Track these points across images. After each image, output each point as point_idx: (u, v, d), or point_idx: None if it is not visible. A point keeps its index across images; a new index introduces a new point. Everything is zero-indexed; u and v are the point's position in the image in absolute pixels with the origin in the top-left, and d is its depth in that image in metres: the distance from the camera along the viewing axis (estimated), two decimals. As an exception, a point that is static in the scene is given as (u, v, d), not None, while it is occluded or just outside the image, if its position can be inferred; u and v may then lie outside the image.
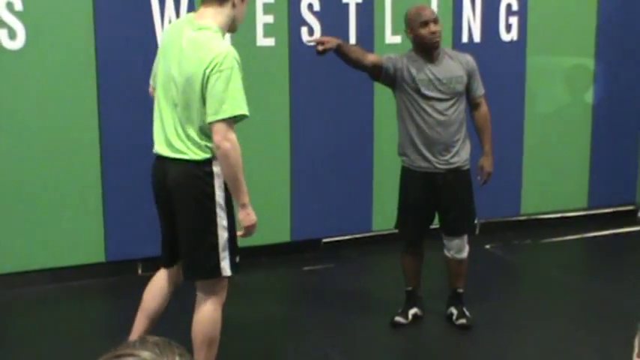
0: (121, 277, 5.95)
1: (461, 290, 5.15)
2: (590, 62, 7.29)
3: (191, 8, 5.76)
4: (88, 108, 5.66)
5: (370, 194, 6.60)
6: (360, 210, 6.62)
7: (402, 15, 6.45)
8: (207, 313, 3.91)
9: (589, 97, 7.35)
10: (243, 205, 3.80)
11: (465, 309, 5.14)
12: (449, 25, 6.64)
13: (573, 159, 7.39)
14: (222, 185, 3.79)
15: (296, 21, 6.14)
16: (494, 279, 6.09)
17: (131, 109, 5.74)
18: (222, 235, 3.81)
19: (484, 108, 5.03)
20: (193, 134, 3.75)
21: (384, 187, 6.49)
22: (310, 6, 6.16)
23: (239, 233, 3.91)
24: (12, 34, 5.40)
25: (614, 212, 7.70)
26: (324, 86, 6.33)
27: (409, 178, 4.98)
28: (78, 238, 5.79)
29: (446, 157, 4.86)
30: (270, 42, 6.10)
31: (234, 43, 5.94)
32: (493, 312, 5.40)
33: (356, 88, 6.36)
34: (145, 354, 1.13)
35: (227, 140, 3.66)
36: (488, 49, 6.75)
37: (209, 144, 3.75)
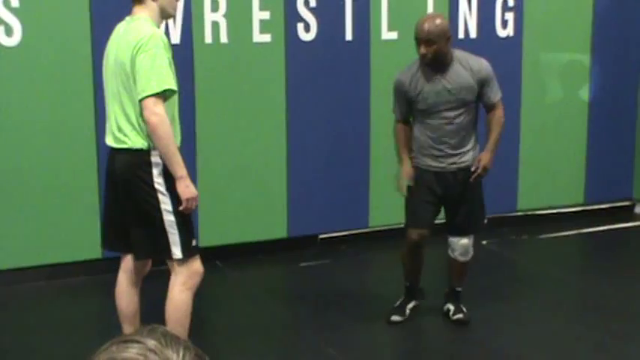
0: (117, 274, 5.93)
1: (459, 289, 5.16)
2: (585, 58, 7.30)
3: (187, 4, 5.77)
4: (85, 105, 5.66)
5: (367, 190, 6.61)
6: (356, 206, 6.63)
7: (398, 11, 6.48)
8: (174, 295, 4.10)
9: (585, 93, 7.36)
10: (181, 178, 3.93)
11: (461, 305, 5.15)
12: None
13: (569, 155, 7.40)
14: (162, 172, 3.94)
15: (292, 17, 6.14)
16: (490, 275, 6.10)
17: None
18: (169, 219, 3.95)
19: (498, 112, 4.88)
20: (132, 121, 3.92)
21: (380, 184, 6.50)
22: (306, 2, 6.15)
23: (180, 207, 3.99)
24: (8, 31, 5.39)
25: (610, 208, 7.71)
26: (321, 82, 6.33)
27: (419, 174, 4.93)
28: (74, 234, 5.79)
29: (454, 159, 4.83)
30: (266, 38, 6.10)
31: (232, 40, 5.98)
32: (490, 308, 5.41)
33: (353, 85, 6.36)
34: (151, 342, 1.14)
35: (155, 115, 3.81)
36: (485, 45, 6.74)
37: (145, 131, 3.91)
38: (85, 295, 5.77)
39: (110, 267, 5.93)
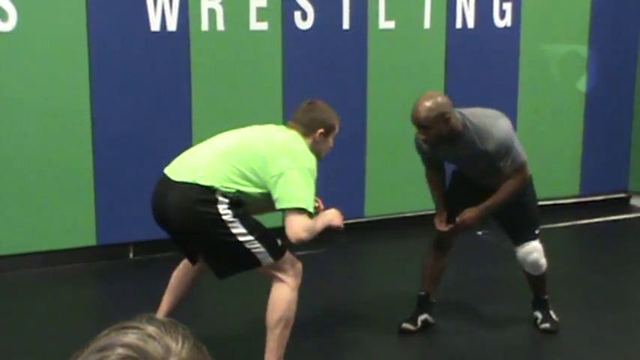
0: (112, 261, 5.95)
1: (545, 297, 4.96)
2: (583, 49, 7.29)
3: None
4: (80, 91, 5.64)
5: (363, 180, 6.59)
6: (352, 196, 6.61)
7: (396, 0, 6.46)
8: (278, 294, 4.17)
9: (582, 84, 7.35)
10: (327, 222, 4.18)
11: (550, 312, 4.94)
12: (443, 11, 6.62)
13: (566, 146, 7.40)
14: (228, 207, 3.91)
15: (289, 5, 6.12)
16: (486, 265, 6.10)
17: (123, 92, 5.73)
18: (248, 239, 3.96)
19: (511, 180, 4.43)
20: (224, 173, 3.92)
21: (376, 173, 6.49)
22: (304, -10, 6.14)
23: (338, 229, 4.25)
24: (3, 16, 5.37)
25: (606, 199, 7.71)
26: (318, 71, 6.32)
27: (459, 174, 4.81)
28: (69, 221, 5.77)
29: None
30: (263, 26, 6.07)
31: (228, 28, 5.96)
32: (485, 299, 5.41)
33: (349, 74, 6.35)
34: (150, 329, 1.16)
35: (306, 231, 3.98)
36: (482, 36, 6.74)
37: (230, 185, 3.92)
38: (80, 282, 5.77)
39: (105, 254, 5.95)
